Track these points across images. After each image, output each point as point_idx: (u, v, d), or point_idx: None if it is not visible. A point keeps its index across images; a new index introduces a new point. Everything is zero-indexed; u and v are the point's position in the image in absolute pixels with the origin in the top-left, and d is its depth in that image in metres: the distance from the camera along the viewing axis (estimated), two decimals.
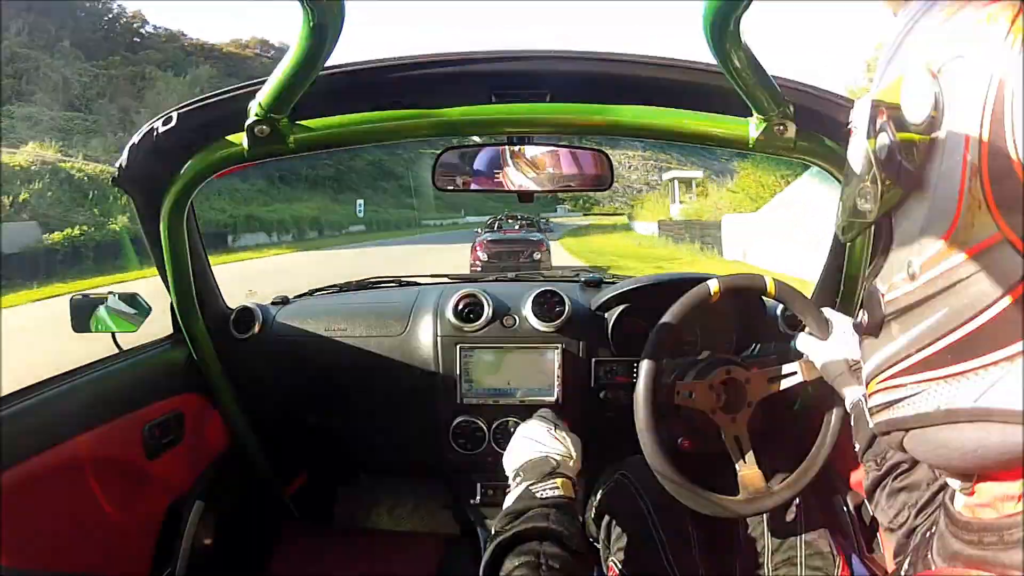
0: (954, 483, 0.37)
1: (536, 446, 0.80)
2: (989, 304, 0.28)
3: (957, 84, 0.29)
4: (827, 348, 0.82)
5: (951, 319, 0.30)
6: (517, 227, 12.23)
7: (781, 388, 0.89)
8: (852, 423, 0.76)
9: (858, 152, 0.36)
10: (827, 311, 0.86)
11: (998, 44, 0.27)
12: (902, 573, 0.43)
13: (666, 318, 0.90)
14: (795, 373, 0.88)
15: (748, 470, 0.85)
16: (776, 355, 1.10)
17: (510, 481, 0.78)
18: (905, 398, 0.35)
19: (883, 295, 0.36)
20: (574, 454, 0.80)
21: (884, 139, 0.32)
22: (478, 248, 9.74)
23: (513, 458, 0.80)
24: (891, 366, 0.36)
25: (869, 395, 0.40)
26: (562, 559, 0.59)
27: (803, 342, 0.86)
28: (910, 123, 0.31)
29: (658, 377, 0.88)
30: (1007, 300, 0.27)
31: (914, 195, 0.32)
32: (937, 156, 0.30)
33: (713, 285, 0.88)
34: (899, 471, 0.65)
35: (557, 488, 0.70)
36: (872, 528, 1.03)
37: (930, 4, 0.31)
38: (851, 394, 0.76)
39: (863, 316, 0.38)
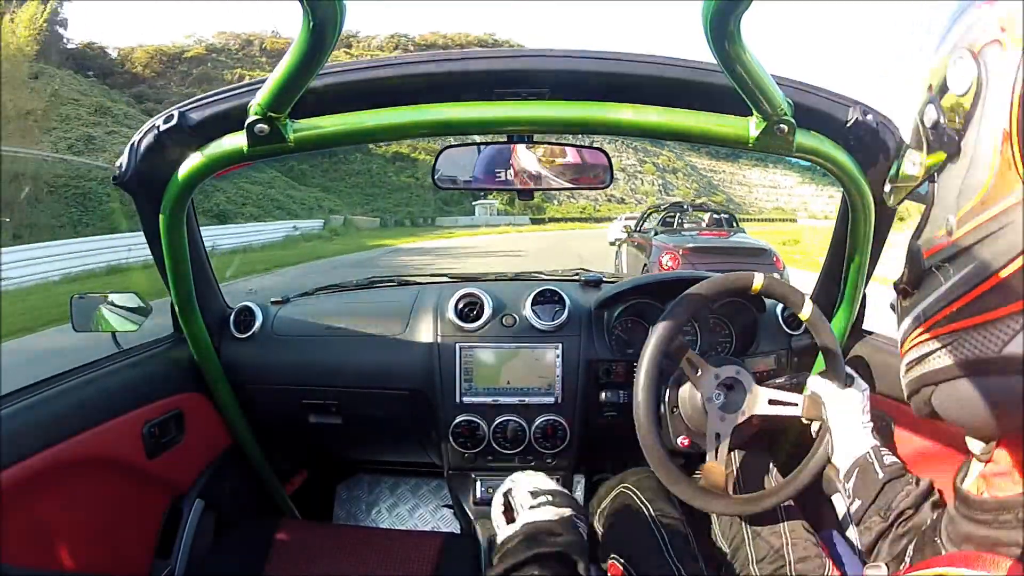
0: (975, 446, 0.39)
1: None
2: (1016, 255, 0.31)
3: (994, 63, 0.33)
4: (843, 398, 0.80)
5: (981, 270, 0.33)
6: (708, 225, 7.55)
7: (777, 414, 0.89)
8: (855, 478, 0.74)
9: (908, 124, 0.42)
10: (846, 368, 0.85)
11: None
12: (906, 559, 0.44)
13: (698, 289, 0.88)
14: (796, 405, 0.88)
15: (714, 467, 0.85)
16: (778, 361, 1.10)
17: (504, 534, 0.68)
18: (936, 350, 0.37)
19: (923, 252, 0.39)
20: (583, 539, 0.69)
21: (931, 110, 0.37)
22: (669, 258, 5.96)
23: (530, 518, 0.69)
24: (926, 319, 0.38)
25: (903, 354, 0.42)
26: None
27: (818, 384, 0.85)
28: (954, 96, 0.35)
29: (666, 344, 0.87)
30: None
31: (954, 160, 0.36)
32: (975, 126, 0.34)
33: (759, 280, 0.87)
34: (903, 517, 0.65)
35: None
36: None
37: None
38: (858, 448, 0.75)
39: (904, 274, 0.41)
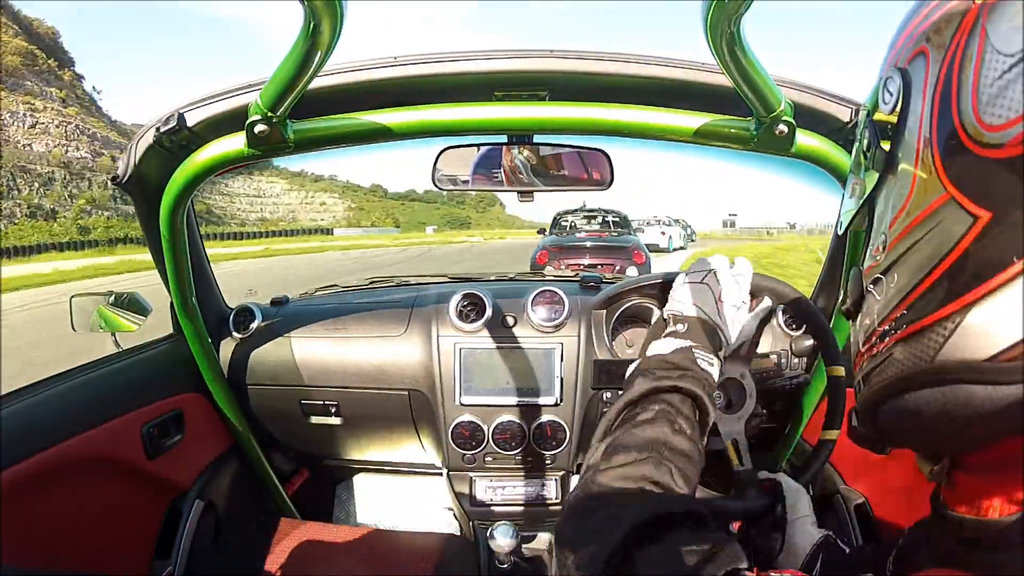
0: (924, 467, 0.38)
1: (714, 309, 0.72)
2: (939, 261, 0.31)
3: (917, 74, 0.33)
4: (798, 491, 0.77)
5: (911, 278, 0.33)
6: (597, 227, 9.07)
7: (778, 387, 0.89)
8: (820, 563, 0.68)
9: (854, 151, 0.42)
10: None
11: (948, 38, 0.31)
12: (887, 573, 0.43)
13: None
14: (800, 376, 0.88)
15: (745, 473, 0.84)
16: (778, 362, 1.10)
17: (670, 314, 0.73)
18: (876, 367, 0.37)
19: (863, 272, 0.39)
20: (731, 343, 0.74)
21: (866, 132, 0.38)
22: (540, 260, 7.23)
23: (680, 302, 0.74)
24: (865, 340, 0.38)
25: (856, 373, 0.42)
26: (702, 414, 0.62)
27: (780, 478, 0.81)
28: (884, 112, 0.36)
29: None
30: (956, 253, 0.30)
31: (888, 175, 0.37)
32: (902, 138, 0.35)
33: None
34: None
35: (714, 366, 0.68)
36: (871, 528, 1.03)
37: (909, 15, 0.36)
38: (815, 536, 0.71)
39: (846, 298, 0.42)
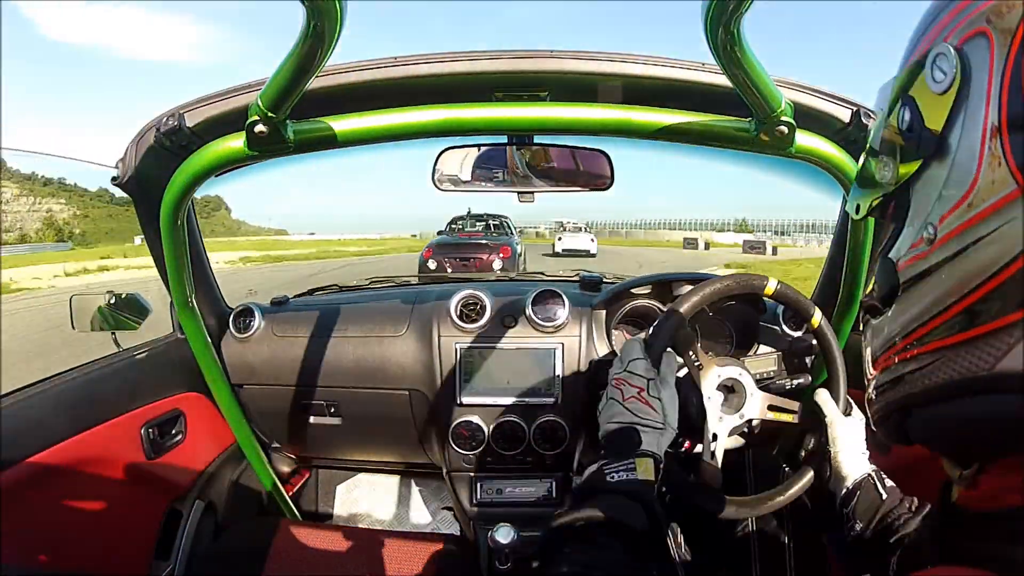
0: (953, 472, 0.37)
1: (621, 411, 0.68)
2: (1008, 262, 0.28)
3: (978, 56, 0.30)
4: (847, 421, 0.79)
5: (969, 280, 0.30)
6: (480, 228, 10.80)
7: (773, 417, 0.88)
8: (856, 500, 0.71)
9: (879, 129, 0.38)
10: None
11: (1015, 23, 0.28)
12: (889, 573, 0.42)
13: (711, 284, 0.86)
14: (795, 412, 0.87)
15: (708, 466, 0.84)
16: (777, 362, 1.09)
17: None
18: (915, 371, 0.34)
19: (897, 264, 0.36)
20: (668, 421, 0.68)
21: (906, 112, 0.34)
22: (426, 255, 8.70)
23: (603, 421, 0.70)
24: (904, 337, 0.35)
25: (871, 377, 0.39)
26: (618, 548, 0.55)
27: (824, 399, 0.83)
28: (933, 93, 0.33)
29: (675, 333, 0.83)
30: None
31: (934, 161, 0.33)
32: (958, 121, 0.31)
33: (772, 285, 0.86)
34: (898, 536, 0.63)
35: (633, 470, 0.62)
36: None
37: None
38: (859, 471, 0.74)
39: (874, 290, 0.38)
